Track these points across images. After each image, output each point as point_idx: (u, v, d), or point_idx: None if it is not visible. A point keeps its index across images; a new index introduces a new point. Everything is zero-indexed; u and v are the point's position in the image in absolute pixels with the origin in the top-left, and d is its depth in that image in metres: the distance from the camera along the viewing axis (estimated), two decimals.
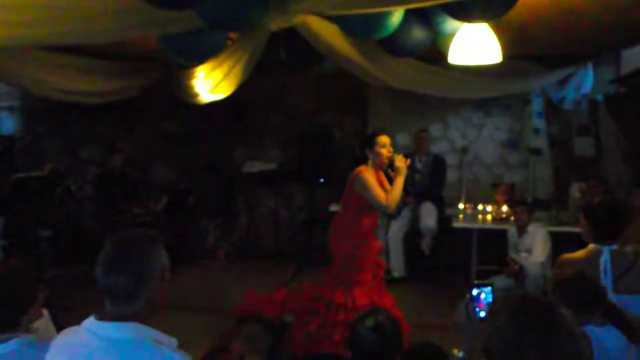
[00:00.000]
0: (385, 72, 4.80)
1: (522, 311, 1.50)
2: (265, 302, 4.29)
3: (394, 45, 4.14)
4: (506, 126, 6.81)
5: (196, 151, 7.41)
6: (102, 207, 6.29)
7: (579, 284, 2.28)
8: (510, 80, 5.69)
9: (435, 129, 6.85)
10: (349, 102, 7.09)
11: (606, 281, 2.58)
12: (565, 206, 5.84)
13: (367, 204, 3.77)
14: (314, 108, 7.24)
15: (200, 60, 4.63)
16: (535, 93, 6.54)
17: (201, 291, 5.66)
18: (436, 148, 6.68)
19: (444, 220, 5.93)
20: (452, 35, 3.93)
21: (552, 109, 6.53)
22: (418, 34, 4.01)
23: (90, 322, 1.65)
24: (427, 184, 6.16)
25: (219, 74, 4.75)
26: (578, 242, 2.87)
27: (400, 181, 3.70)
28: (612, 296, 2.52)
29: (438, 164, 6.25)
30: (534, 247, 4.90)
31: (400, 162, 3.73)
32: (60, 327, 2.22)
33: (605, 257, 2.63)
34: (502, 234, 5.27)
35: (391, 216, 5.89)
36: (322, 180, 6.81)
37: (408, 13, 3.74)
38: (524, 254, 4.96)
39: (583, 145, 6.52)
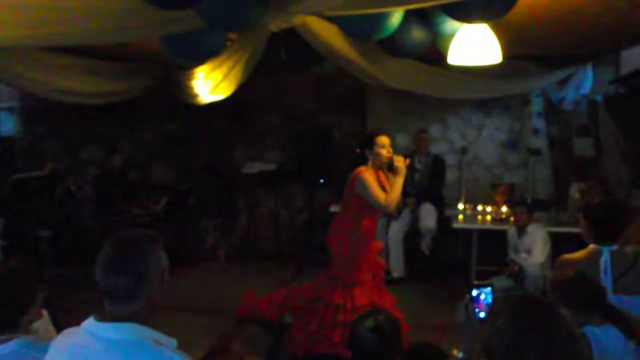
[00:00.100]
0: (384, 73, 4.80)
1: (522, 311, 1.50)
2: (265, 302, 4.29)
3: (393, 45, 4.15)
4: (506, 126, 6.81)
5: (196, 152, 7.42)
6: (101, 208, 6.29)
7: (579, 284, 2.28)
8: (510, 81, 5.70)
9: (434, 130, 6.85)
10: (348, 103, 7.09)
11: (606, 281, 2.58)
12: (565, 207, 5.84)
13: (366, 205, 3.77)
14: (314, 108, 7.24)
15: (200, 61, 4.63)
16: (535, 93, 6.55)
17: (201, 292, 5.66)
18: (436, 148, 6.68)
19: (443, 221, 5.94)
20: (451, 35, 3.94)
21: (552, 110, 6.53)
22: (418, 34, 4.02)
23: (90, 323, 1.65)
24: (427, 184, 6.16)
25: (218, 74, 4.75)
26: (578, 243, 2.88)
27: (399, 181, 3.70)
28: (611, 296, 2.52)
29: (438, 165, 6.25)
30: (534, 248, 4.90)
31: (400, 162, 3.73)
32: (59, 327, 2.22)
33: (605, 258, 2.63)
34: (502, 234, 5.26)
35: (391, 217, 5.90)
36: (321, 180, 6.81)
37: (408, 14, 3.74)
38: (523, 255, 4.96)
39: (583, 146, 6.52)
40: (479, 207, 5.94)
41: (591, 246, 2.71)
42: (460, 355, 1.96)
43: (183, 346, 1.68)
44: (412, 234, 6.07)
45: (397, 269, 5.95)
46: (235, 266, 6.69)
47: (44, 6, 3.07)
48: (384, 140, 3.82)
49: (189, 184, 7.10)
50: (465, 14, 3.39)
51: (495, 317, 1.56)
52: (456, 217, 5.74)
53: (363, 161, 3.87)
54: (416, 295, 5.53)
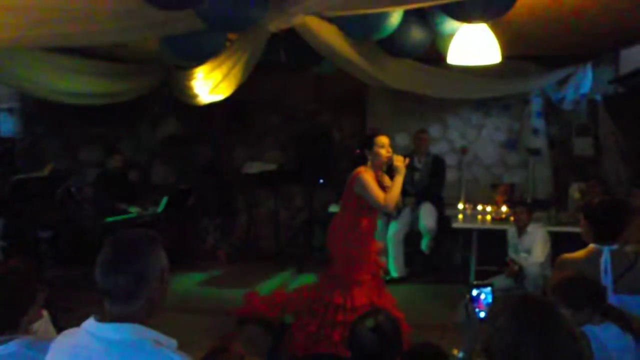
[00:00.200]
0: (384, 73, 4.80)
1: (522, 311, 1.50)
2: (265, 303, 4.29)
3: (393, 45, 4.15)
4: (505, 126, 6.81)
5: (196, 152, 7.42)
6: (101, 208, 6.28)
7: (579, 284, 2.28)
8: (510, 81, 5.70)
9: (434, 130, 6.85)
10: (348, 103, 7.09)
11: (606, 281, 2.58)
12: (565, 206, 5.84)
13: (366, 205, 3.77)
14: (314, 109, 7.24)
15: (200, 61, 4.63)
16: (535, 93, 6.54)
17: (201, 292, 5.66)
18: (435, 148, 6.68)
19: (443, 221, 5.93)
20: (451, 35, 3.94)
21: (552, 109, 6.53)
22: (417, 34, 4.03)
23: (90, 323, 1.65)
24: (427, 184, 6.15)
25: (218, 74, 4.75)
26: (578, 242, 2.87)
27: (398, 180, 3.70)
28: (612, 296, 2.52)
29: (437, 165, 6.24)
30: (534, 248, 4.91)
31: (399, 161, 3.73)
32: (59, 328, 2.22)
33: (605, 257, 2.63)
34: (502, 234, 5.27)
35: (391, 217, 5.90)
36: (321, 180, 6.81)
37: (407, 14, 3.74)
38: (523, 254, 4.96)
39: (582, 146, 6.52)
40: (479, 207, 5.94)
41: (591, 246, 2.71)
42: (460, 355, 1.95)
43: (183, 346, 1.68)
44: (412, 234, 6.07)
45: (398, 268, 5.94)
46: (235, 266, 6.69)
47: (44, 7, 3.08)
48: (383, 140, 3.83)
49: (188, 184, 7.10)
50: (464, 14, 3.40)
51: (495, 317, 1.56)
52: (456, 217, 5.74)
53: (363, 161, 3.87)
54: (416, 295, 5.53)
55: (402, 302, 4.29)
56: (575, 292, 2.24)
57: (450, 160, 6.66)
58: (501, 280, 4.80)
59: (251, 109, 7.17)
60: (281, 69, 5.55)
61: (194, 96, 5.17)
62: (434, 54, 4.38)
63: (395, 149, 4.15)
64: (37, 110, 7.31)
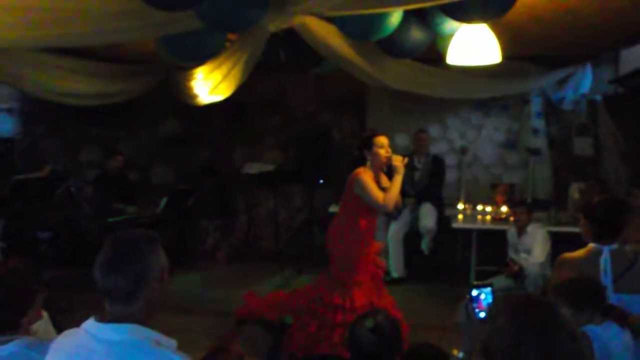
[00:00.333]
0: (384, 73, 4.80)
1: (522, 311, 1.50)
2: (264, 303, 4.29)
3: (392, 46, 4.15)
4: (505, 126, 6.81)
5: (196, 152, 7.41)
6: (101, 209, 6.28)
7: (579, 284, 2.28)
8: (510, 81, 5.70)
9: (434, 130, 6.85)
10: (348, 103, 7.09)
11: (606, 281, 2.58)
12: (565, 206, 5.84)
13: (365, 205, 3.77)
14: (313, 109, 7.24)
15: (199, 62, 4.63)
16: (535, 93, 6.54)
17: (201, 292, 5.66)
18: (435, 149, 6.68)
19: (443, 221, 5.93)
20: (451, 35, 3.94)
21: (551, 109, 6.53)
22: (417, 34, 4.02)
23: (90, 324, 1.65)
24: (427, 184, 6.16)
25: (218, 75, 4.75)
26: (578, 242, 2.87)
27: (397, 180, 3.71)
28: (612, 295, 2.52)
29: (437, 165, 6.25)
30: (534, 248, 4.90)
31: (398, 161, 3.74)
32: (59, 329, 2.22)
33: (605, 257, 2.63)
34: (502, 234, 5.27)
35: (391, 217, 5.89)
36: (321, 181, 6.81)
37: (407, 14, 3.74)
38: (523, 255, 4.96)
39: (582, 146, 6.52)
40: (479, 207, 5.95)
41: (591, 245, 2.71)
42: (460, 355, 1.95)
43: (183, 347, 1.68)
44: (412, 234, 6.07)
45: (398, 268, 5.94)
46: (235, 266, 6.69)
47: (43, 7, 3.07)
48: (382, 140, 3.83)
49: (188, 184, 7.10)
50: (464, 14, 3.39)
51: (495, 317, 1.56)
52: (456, 217, 5.74)
53: (362, 162, 3.88)
54: (416, 295, 5.53)
55: (402, 302, 4.29)
56: (576, 292, 2.24)
57: (450, 160, 6.66)
58: (501, 280, 4.80)
59: (251, 110, 7.17)
60: (281, 69, 5.55)
61: (194, 96, 5.17)
62: (433, 54, 4.37)
63: (395, 149, 4.16)
64: (36, 111, 7.31)
